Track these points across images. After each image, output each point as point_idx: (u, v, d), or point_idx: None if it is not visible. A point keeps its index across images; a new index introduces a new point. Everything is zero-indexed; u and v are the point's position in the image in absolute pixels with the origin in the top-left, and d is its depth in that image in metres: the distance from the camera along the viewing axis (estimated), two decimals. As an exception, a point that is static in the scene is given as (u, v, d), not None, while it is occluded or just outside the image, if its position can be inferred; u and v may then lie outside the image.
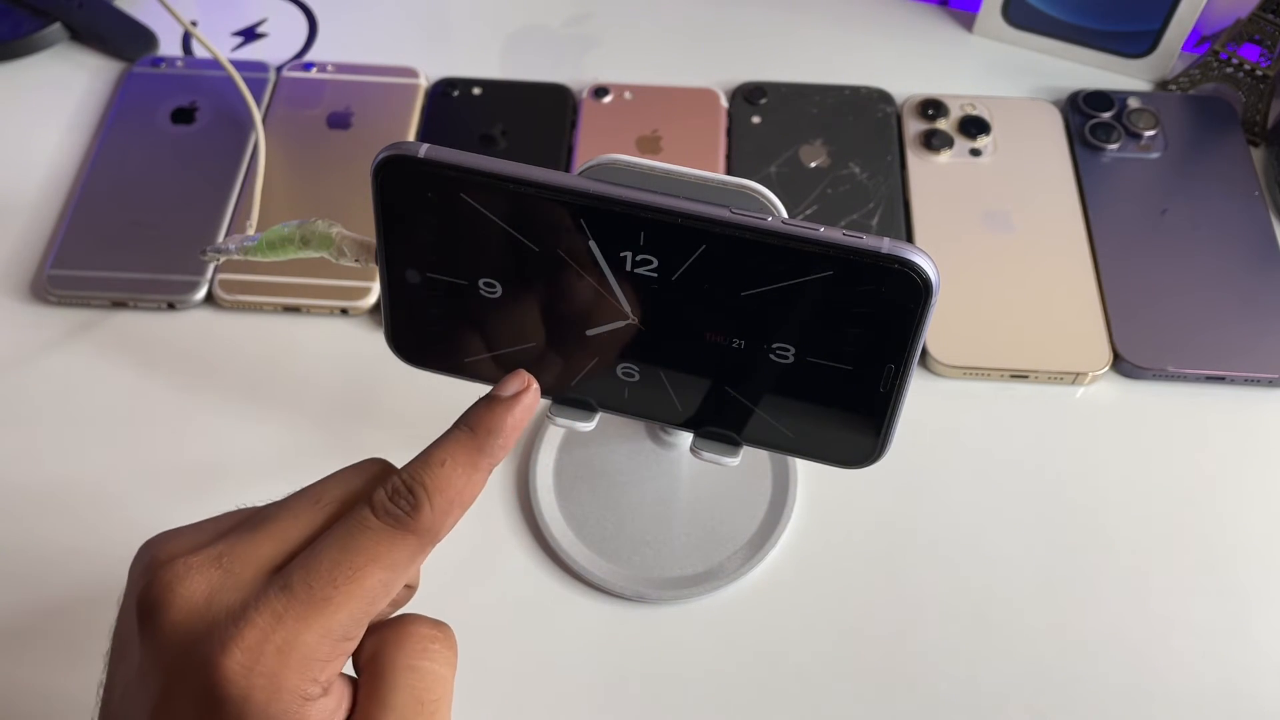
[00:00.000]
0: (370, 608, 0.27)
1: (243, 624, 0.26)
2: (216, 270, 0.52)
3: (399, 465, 0.30)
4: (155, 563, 0.28)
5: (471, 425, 0.30)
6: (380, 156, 0.31)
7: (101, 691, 0.30)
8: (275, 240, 0.36)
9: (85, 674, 0.42)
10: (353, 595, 0.27)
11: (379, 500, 0.28)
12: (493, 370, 0.34)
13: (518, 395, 0.31)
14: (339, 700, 0.27)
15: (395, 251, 0.33)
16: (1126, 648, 0.43)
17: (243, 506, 0.30)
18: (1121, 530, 0.46)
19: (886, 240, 0.29)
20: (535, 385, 0.31)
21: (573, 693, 0.42)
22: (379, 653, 0.28)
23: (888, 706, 0.42)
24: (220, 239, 0.53)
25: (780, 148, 0.57)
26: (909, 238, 0.54)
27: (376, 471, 0.30)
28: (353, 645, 0.28)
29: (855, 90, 0.60)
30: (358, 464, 0.30)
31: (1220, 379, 0.50)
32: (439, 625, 0.30)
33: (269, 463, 0.47)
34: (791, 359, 0.32)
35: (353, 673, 0.29)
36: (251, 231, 0.48)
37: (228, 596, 0.26)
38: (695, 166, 0.31)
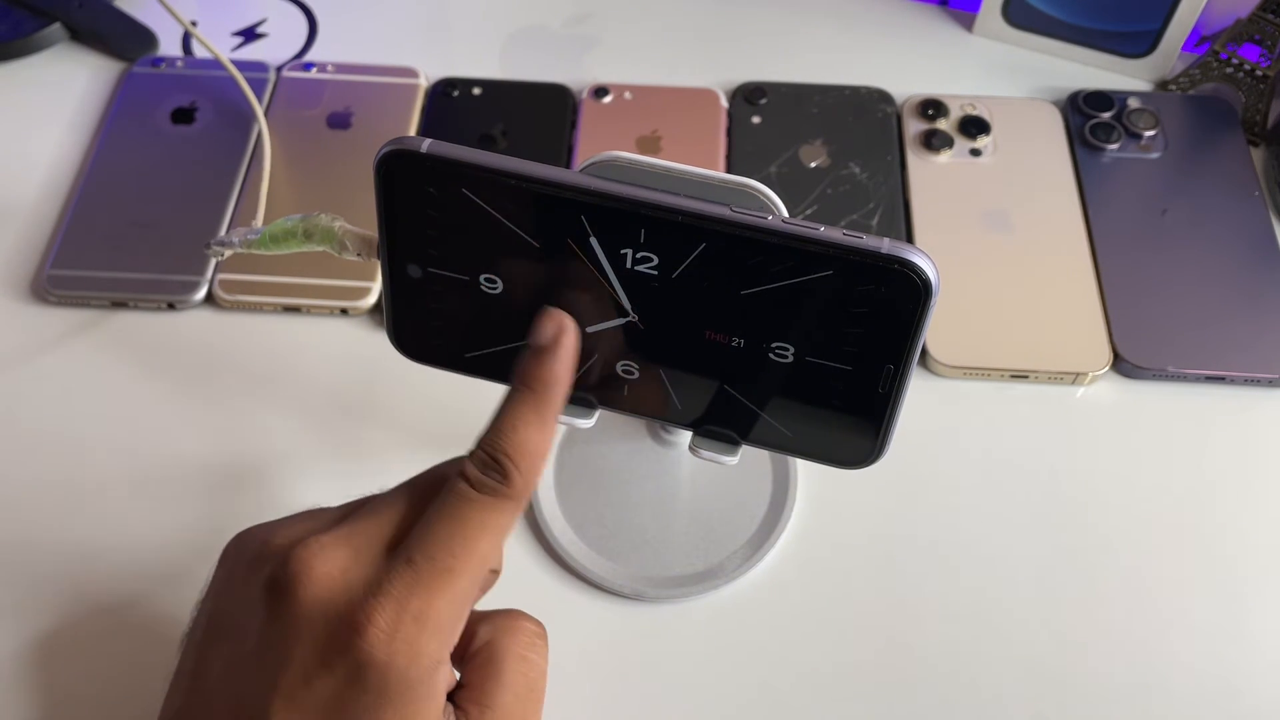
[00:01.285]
0: (483, 572, 0.30)
1: (380, 596, 0.28)
2: (216, 270, 0.52)
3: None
4: (274, 547, 0.30)
5: (528, 383, 0.31)
6: (383, 151, 0.31)
7: (176, 677, 0.32)
8: (278, 234, 0.36)
9: (88, 674, 0.42)
10: (471, 562, 0.29)
11: (473, 474, 0.30)
12: (495, 365, 0.34)
13: (558, 339, 0.31)
14: (450, 671, 0.30)
15: (397, 246, 0.33)
16: (1126, 648, 0.43)
17: (317, 507, 0.32)
18: (1121, 530, 0.46)
19: (886, 240, 0.29)
20: (569, 322, 0.31)
21: (572, 692, 0.42)
22: (494, 641, 0.32)
23: (887, 706, 0.42)
24: (223, 234, 0.53)
25: (780, 148, 0.57)
26: (909, 238, 0.54)
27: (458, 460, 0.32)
28: (469, 610, 0.30)
29: (855, 90, 0.60)
30: (440, 463, 0.33)
31: (1220, 379, 0.50)
32: (540, 624, 0.34)
33: (269, 463, 0.47)
34: (791, 359, 0.32)
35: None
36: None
37: (360, 572, 0.29)
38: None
